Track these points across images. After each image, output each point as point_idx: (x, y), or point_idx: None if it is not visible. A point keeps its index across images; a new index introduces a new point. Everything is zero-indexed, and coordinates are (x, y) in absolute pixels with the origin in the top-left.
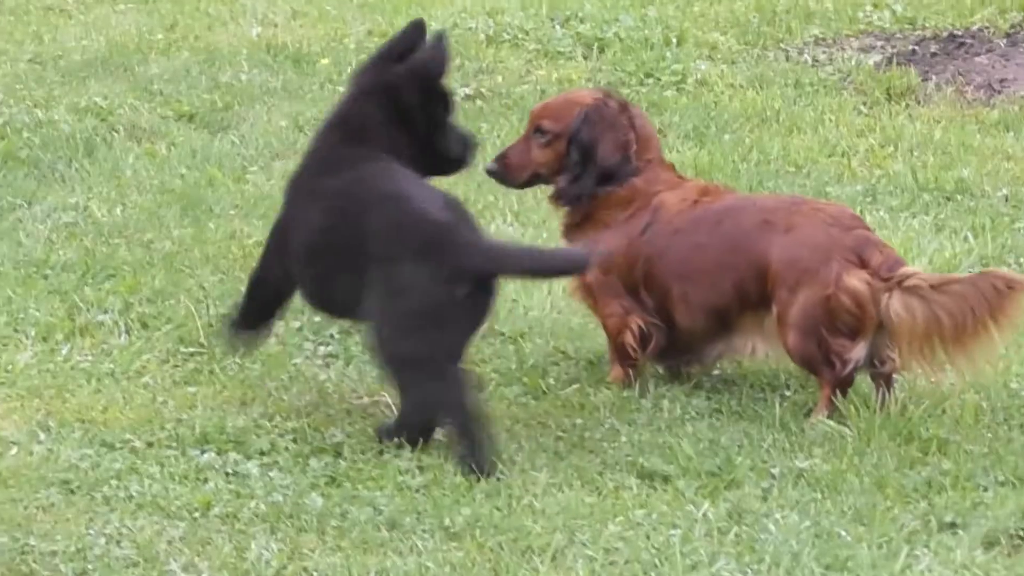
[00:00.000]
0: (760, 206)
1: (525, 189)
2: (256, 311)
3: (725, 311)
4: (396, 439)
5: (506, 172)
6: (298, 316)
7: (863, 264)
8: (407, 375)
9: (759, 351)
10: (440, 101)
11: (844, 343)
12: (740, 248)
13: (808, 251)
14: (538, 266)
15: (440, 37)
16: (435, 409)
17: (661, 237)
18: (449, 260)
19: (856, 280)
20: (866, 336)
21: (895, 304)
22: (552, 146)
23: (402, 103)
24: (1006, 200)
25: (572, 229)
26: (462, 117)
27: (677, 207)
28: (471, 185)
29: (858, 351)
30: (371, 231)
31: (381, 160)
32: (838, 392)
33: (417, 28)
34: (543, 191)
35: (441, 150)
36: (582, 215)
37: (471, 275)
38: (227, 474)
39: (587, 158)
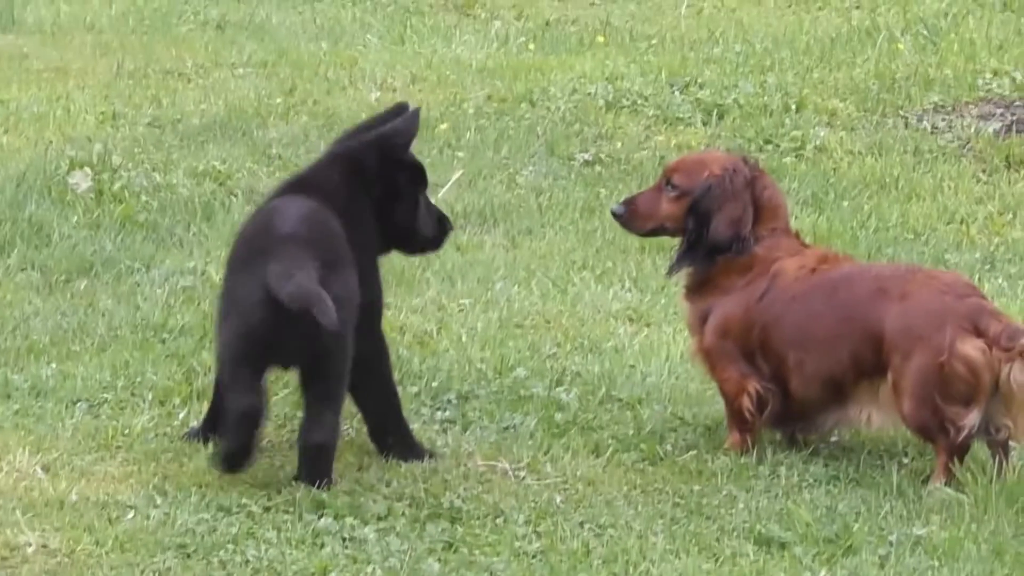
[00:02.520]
0: (875, 274)
1: (647, 239)
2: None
3: (840, 380)
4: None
5: (632, 218)
6: (416, 382)
7: (979, 333)
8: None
9: (874, 420)
10: (407, 173)
11: (958, 410)
12: (855, 317)
13: (922, 318)
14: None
15: (412, 112)
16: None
17: (778, 304)
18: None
19: (970, 347)
20: (980, 403)
21: (1016, 373)
22: (680, 202)
23: (363, 170)
24: None
25: (692, 292)
26: (581, 182)
27: (795, 275)
28: (589, 250)
29: (972, 418)
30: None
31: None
32: (955, 459)
33: (399, 108)
34: (662, 258)
35: (409, 226)
36: (702, 278)
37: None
38: (344, 539)
39: (701, 228)
